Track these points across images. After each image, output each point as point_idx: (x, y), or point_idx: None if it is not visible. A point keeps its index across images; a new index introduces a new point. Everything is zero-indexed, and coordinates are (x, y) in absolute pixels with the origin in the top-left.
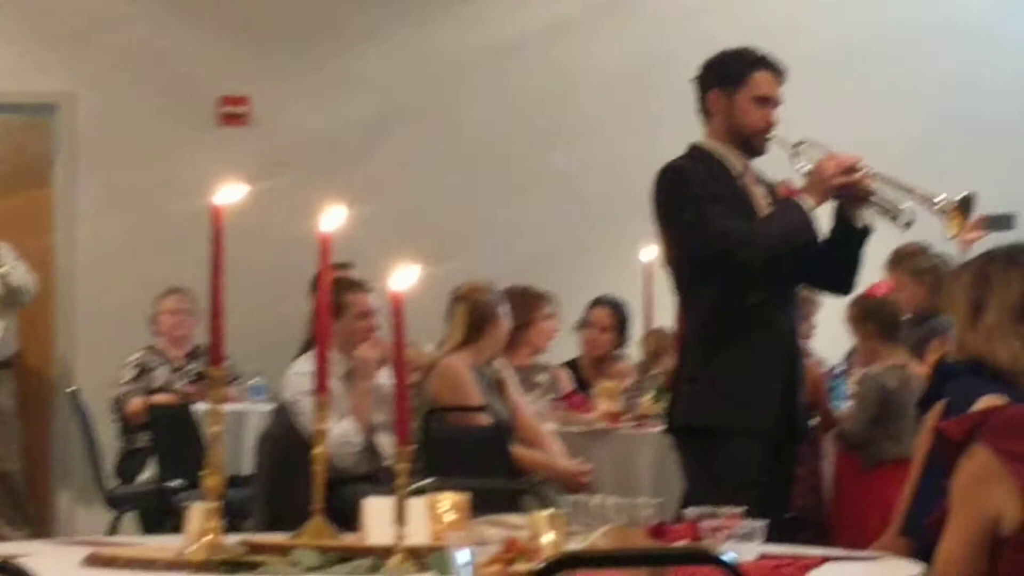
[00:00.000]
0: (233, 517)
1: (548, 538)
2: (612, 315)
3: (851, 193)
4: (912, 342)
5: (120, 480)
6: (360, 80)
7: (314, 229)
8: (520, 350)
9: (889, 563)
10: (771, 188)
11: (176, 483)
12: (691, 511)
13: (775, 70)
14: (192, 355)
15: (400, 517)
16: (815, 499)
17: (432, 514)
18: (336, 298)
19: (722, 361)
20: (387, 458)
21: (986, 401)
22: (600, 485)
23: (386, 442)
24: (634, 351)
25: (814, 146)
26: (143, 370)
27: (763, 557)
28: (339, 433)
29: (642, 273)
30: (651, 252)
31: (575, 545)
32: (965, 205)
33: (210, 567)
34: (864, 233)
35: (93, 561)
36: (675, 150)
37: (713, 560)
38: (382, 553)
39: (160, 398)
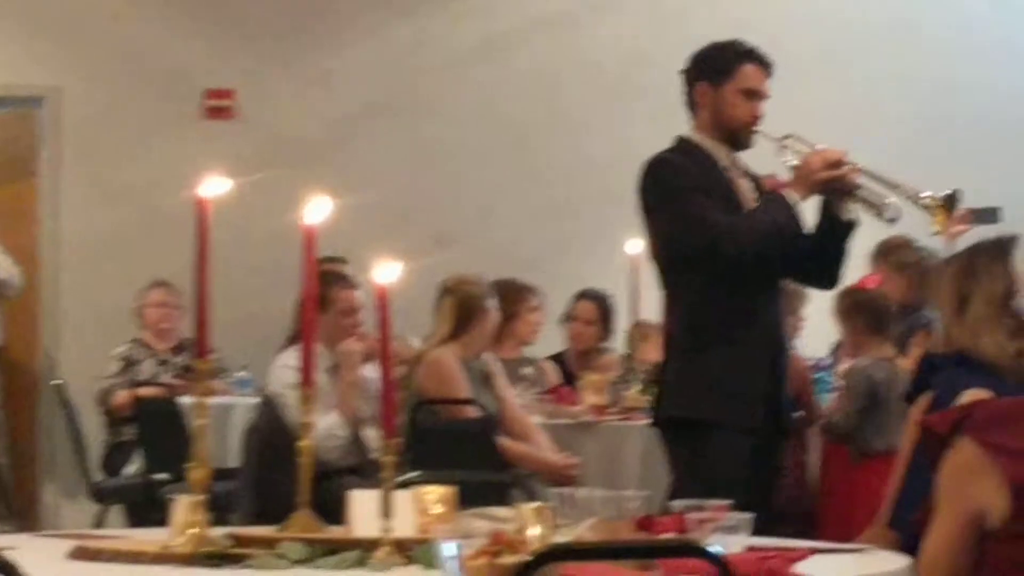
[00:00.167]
0: (219, 510)
1: (535, 531)
2: (597, 308)
3: (837, 187)
4: (896, 335)
5: (106, 473)
6: (346, 73)
7: (299, 222)
8: (506, 343)
9: (875, 556)
10: (757, 182)
11: (162, 476)
12: (678, 504)
13: (763, 63)
14: (178, 348)
15: (386, 510)
16: (801, 492)
17: (418, 507)
18: (322, 292)
19: (708, 354)
20: (373, 451)
21: (971, 395)
22: (587, 478)
23: (372, 435)
24: (619, 344)
25: (800, 140)
26: (129, 363)
27: (749, 549)
28: (325, 426)
29: (627, 266)
30: (636, 245)
31: (562, 538)
32: (950, 201)
33: (196, 560)
34: (849, 227)
35: (79, 554)
36: (659, 144)
37: (700, 552)
38: (368, 546)
39: (146, 391)
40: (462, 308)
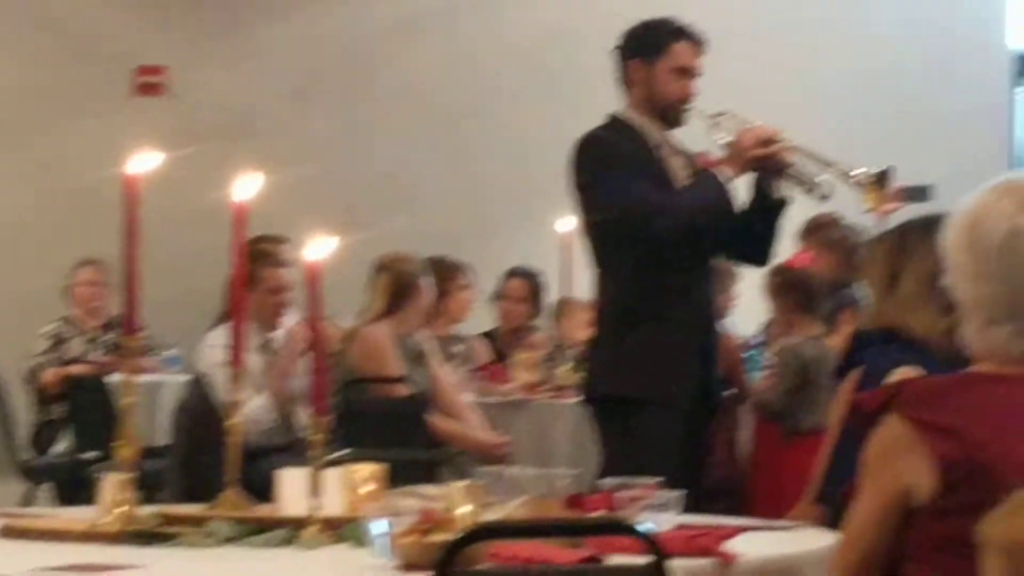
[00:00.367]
0: (148, 488)
1: (465, 509)
2: (527, 286)
3: (769, 165)
4: (824, 313)
5: (34, 451)
6: (276, 50)
7: (229, 200)
8: (437, 321)
9: (804, 533)
10: (690, 159)
11: (91, 455)
12: (607, 482)
13: (695, 41)
14: (107, 326)
15: (316, 488)
16: (732, 470)
17: (348, 485)
18: (251, 270)
19: (638, 332)
20: (304, 429)
21: (901, 372)
22: (517, 456)
23: (303, 413)
24: (546, 321)
25: (733, 118)
26: (58, 341)
27: (679, 527)
28: (253, 409)
29: (559, 244)
30: (568, 223)
31: (492, 516)
32: (882, 178)
33: (124, 538)
34: (782, 205)
35: (7, 533)
36: (583, 122)
37: (629, 531)
38: (297, 524)
39: (75, 369)
40: (396, 285)
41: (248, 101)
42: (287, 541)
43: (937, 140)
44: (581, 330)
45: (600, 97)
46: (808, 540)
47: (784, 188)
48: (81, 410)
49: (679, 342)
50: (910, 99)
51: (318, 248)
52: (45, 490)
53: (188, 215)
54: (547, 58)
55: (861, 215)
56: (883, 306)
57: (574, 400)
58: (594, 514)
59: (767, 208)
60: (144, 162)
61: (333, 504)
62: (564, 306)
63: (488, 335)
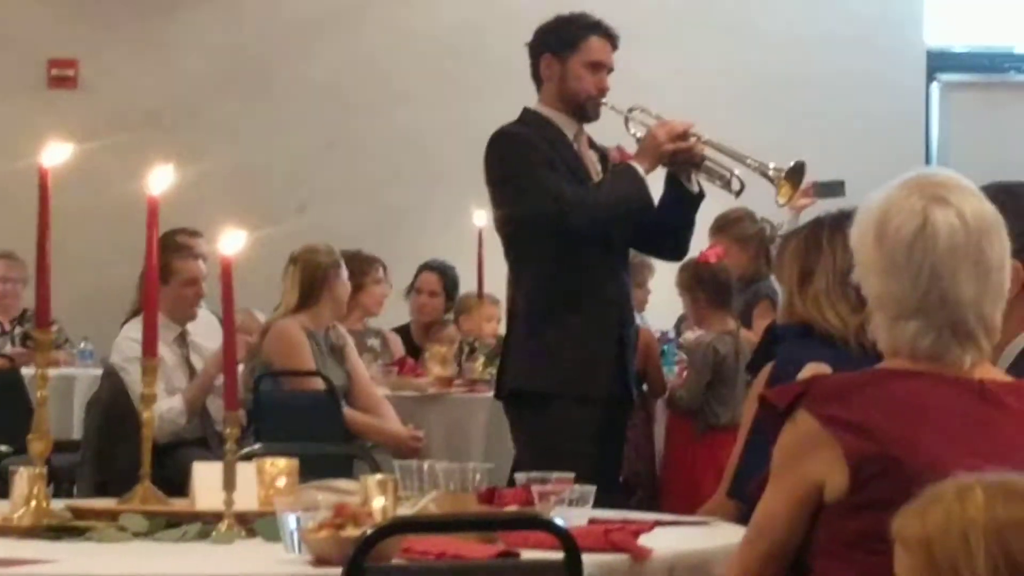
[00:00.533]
0: (61, 482)
1: (378, 503)
2: (440, 280)
3: (683, 159)
4: (737, 307)
5: None
6: (190, 42)
7: (143, 192)
8: (351, 314)
9: (717, 528)
10: (604, 154)
11: (2, 448)
12: (521, 476)
13: (608, 36)
14: (19, 320)
15: (229, 482)
16: (647, 464)
17: (261, 479)
18: (164, 263)
19: (553, 326)
20: (218, 423)
21: (811, 368)
22: (431, 450)
23: (217, 406)
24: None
25: (646, 112)
26: None
27: (593, 522)
28: (165, 409)
29: (474, 238)
30: (483, 217)
31: (405, 510)
32: (796, 172)
33: (36, 533)
34: (697, 199)
35: None
36: (493, 116)
37: (543, 525)
38: (210, 519)
39: None
40: (307, 278)
41: (162, 95)
42: (200, 536)
43: (854, 138)
44: (486, 325)
45: (507, 91)
46: (721, 535)
47: (698, 182)
48: None
49: (594, 336)
50: (826, 97)
51: (231, 241)
52: None
53: (102, 208)
54: (453, 52)
55: (775, 210)
56: (795, 302)
57: (488, 394)
58: (508, 509)
59: (682, 202)
60: (56, 154)
61: (247, 498)
62: (466, 302)
63: (402, 329)
